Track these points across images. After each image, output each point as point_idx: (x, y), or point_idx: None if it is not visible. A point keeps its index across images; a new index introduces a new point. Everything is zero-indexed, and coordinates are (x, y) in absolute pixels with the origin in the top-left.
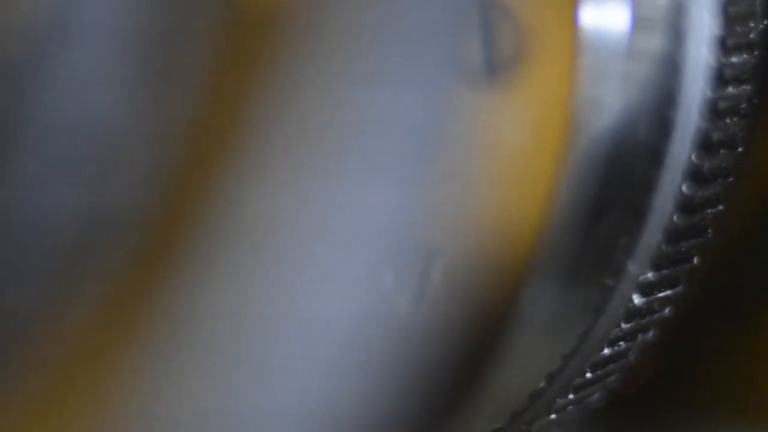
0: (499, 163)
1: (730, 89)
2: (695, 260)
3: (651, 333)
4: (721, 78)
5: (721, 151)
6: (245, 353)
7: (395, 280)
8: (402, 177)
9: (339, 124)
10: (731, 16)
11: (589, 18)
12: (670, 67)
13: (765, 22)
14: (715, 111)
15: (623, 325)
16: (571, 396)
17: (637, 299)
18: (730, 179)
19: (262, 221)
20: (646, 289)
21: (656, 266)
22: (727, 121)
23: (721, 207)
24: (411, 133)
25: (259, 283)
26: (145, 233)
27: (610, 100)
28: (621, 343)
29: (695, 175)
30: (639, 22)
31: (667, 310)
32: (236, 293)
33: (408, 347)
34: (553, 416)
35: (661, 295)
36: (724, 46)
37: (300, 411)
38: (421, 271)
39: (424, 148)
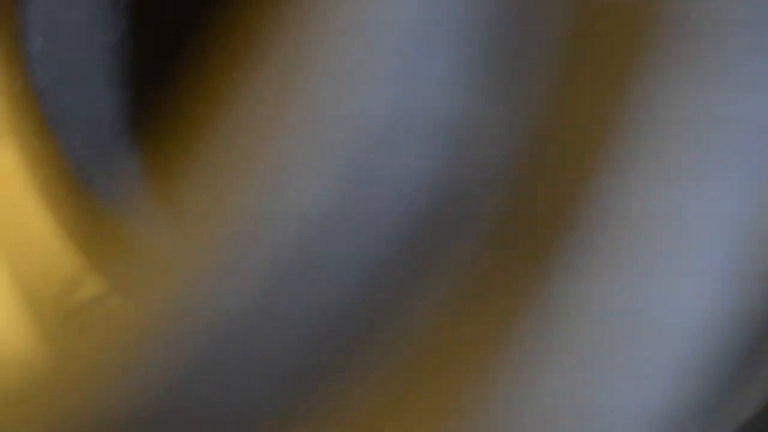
0: None
1: None
2: None
3: None
4: None
5: None
6: (606, 348)
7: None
8: (751, 174)
9: (693, 123)
10: None
11: None
12: None
13: None
14: None
15: None
16: None
17: None
18: None
19: (621, 217)
20: None
21: None
22: None
23: None
24: (757, 131)
25: (622, 279)
26: (500, 223)
27: None
28: None
29: None
30: None
31: None
32: (598, 288)
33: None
34: None
35: None
36: None
37: (648, 405)
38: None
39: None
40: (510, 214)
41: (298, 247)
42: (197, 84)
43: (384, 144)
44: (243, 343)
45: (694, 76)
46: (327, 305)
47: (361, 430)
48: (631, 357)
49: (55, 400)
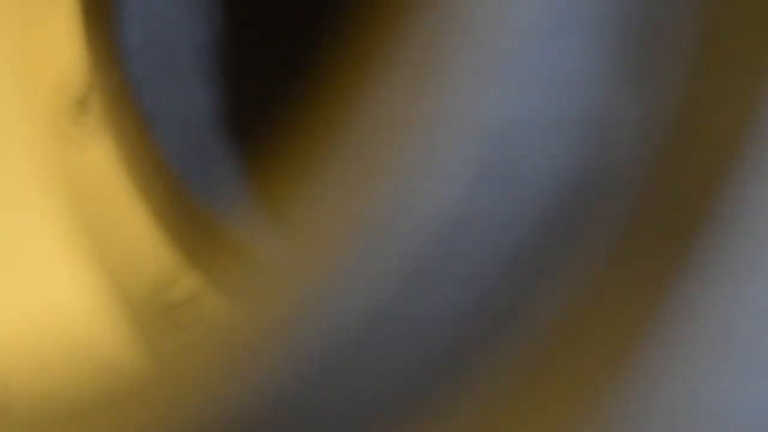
0: None
1: None
2: None
3: None
4: None
5: None
6: (735, 351)
7: None
8: None
9: None
10: None
11: None
12: None
13: None
14: None
15: None
16: None
17: None
18: None
19: (758, 217)
20: None
21: None
22: None
23: None
24: None
25: (756, 281)
26: (634, 222)
27: None
28: None
29: None
30: None
31: None
32: (730, 290)
33: None
34: None
35: None
36: None
37: None
38: None
39: None
40: (644, 211)
41: (428, 248)
42: (310, 84)
43: (519, 143)
44: (368, 346)
45: None
46: (456, 305)
47: (485, 430)
48: (760, 359)
49: (148, 403)
